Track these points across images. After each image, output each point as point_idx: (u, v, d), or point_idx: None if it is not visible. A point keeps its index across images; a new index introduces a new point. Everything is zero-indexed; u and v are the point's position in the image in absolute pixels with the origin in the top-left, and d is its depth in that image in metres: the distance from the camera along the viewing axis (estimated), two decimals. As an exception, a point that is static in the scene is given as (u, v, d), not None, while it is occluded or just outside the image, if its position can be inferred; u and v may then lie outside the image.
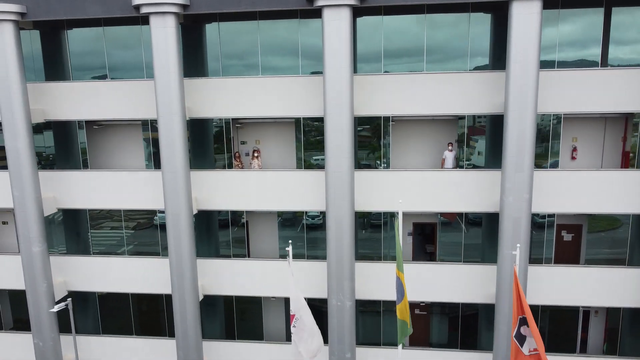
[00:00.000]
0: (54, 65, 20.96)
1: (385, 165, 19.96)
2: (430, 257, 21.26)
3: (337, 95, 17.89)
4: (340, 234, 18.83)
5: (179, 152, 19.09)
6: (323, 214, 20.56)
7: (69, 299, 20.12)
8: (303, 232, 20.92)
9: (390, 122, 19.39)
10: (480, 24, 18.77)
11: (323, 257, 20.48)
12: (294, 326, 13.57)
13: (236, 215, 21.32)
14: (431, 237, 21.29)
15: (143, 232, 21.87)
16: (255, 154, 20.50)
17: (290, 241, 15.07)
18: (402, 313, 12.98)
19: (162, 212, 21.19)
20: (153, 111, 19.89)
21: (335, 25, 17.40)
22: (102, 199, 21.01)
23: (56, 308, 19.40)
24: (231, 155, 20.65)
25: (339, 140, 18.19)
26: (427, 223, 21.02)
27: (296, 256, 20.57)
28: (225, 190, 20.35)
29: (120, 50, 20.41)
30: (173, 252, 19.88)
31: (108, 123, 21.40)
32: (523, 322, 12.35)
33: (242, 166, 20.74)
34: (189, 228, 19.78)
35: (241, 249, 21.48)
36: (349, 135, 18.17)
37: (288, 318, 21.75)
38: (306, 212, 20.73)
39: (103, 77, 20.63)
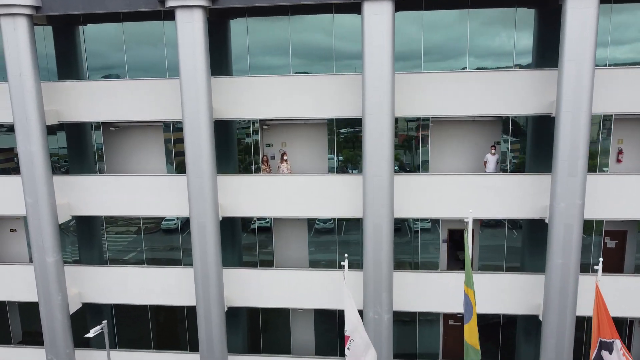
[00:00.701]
0: (67, 63, 19.65)
1: (396, 169, 18.95)
2: (462, 265, 20.23)
3: (378, 95, 16.78)
4: (378, 242, 17.70)
5: (205, 155, 17.90)
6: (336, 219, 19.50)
7: (104, 322, 18.64)
8: (318, 237, 19.89)
9: (430, 123, 18.33)
10: (523, 20, 17.77)
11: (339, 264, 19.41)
12: (349, 348, 12.42)
13: (260, 220, 20.13)
14: (462, 244, 20.25)
15: (150, 236, 20.56)
16: (284, 157, 19.32)
17: (346, 255, 13.89)
18: (471, 335, 11.76)
19: (172, 219, 20.13)
20: (175, 112, 18.69)
21: (377, 20, 16.30)
22: (119, 206, 19.74)
23: (92, 333, 17.78)
24: (257, 158, 19.46)
25: (378, 143, 17.08)
26: (462, 230, 19.98)
27: (312, 263, 19.70)
28: (250, 195, 19.16)
29: (139, 48, 19.14)
30: (198, 262, 18.67)
31: (126, 125, 20.14)
32: (605, 346, 11.23)
33: (269, 170, 19.55)
34: (215, 236, 18.58)
35: (266, 256, 20.26)
36: (389, 137, 17.06)
37: (317, 330, 20.61)
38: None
39: (119, 77, 19.36)
